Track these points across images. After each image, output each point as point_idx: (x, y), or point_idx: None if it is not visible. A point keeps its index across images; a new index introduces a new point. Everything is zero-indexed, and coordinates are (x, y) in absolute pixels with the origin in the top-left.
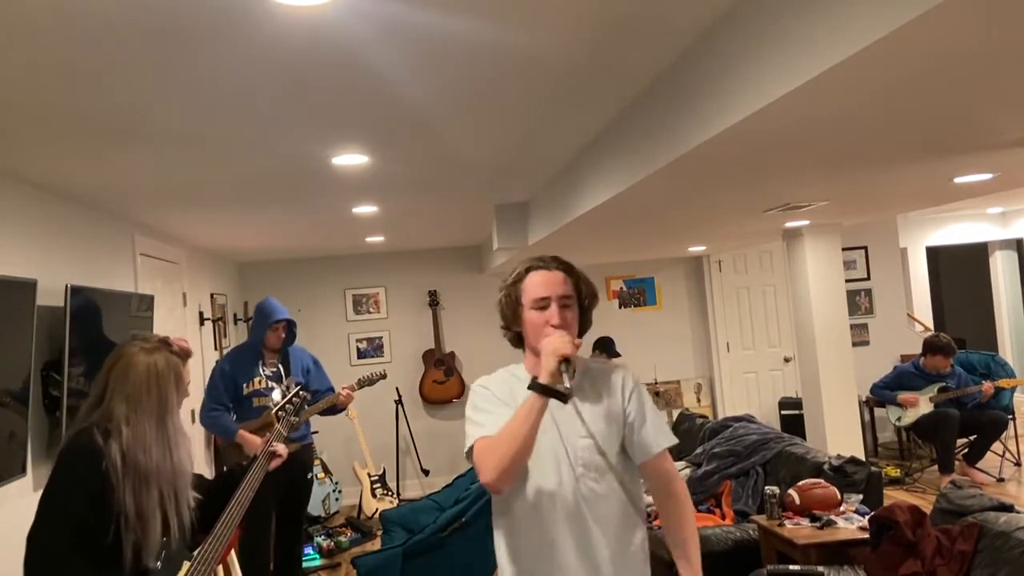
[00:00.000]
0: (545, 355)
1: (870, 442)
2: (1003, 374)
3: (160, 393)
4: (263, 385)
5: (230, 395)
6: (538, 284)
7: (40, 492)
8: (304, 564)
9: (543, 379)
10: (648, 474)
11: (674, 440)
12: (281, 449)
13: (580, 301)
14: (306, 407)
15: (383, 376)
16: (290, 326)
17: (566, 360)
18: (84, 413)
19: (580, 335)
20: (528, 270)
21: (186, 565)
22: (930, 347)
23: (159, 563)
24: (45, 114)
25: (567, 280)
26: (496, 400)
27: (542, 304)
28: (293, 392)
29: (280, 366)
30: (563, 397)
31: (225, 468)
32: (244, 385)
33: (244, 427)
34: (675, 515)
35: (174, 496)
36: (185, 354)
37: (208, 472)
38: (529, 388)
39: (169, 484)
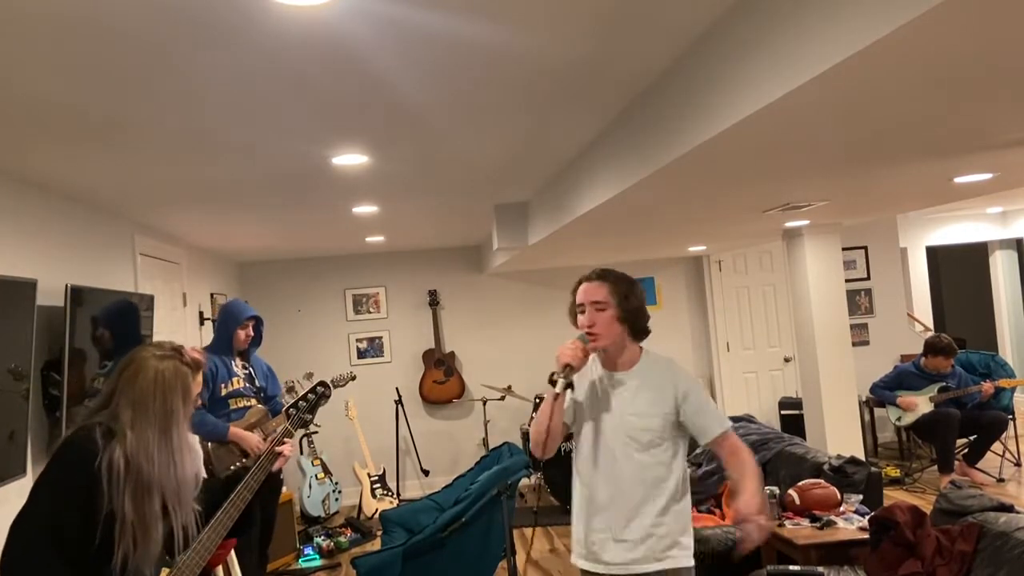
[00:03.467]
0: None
1: (870, 442)
2: (1003, 374)
3: (165, 403)
4: (241, 385)
5: (205, 396)
6: (579, 293)
7: None
8: (304, 564)
9: (553, 377)
10: (715, 450)
11: (726, 425)
12: (287, 449)
13: (617, 304)
14: (322, 404)
15: (352, 378)
16: (258, 325)
17: (567, 365)
18: (90, 411)
19: (636, 331)
20: (578, 281)
21: (164, 572)
22: (931, 348)
23: (149, 572)
24: (45, 114)
25: (600, 288)
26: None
27: (580, 309)
28: (309, 388)
29: (250, 368)
30: (567, 387)
31: (230, 471)
32: (222, 386)
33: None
34: (735, 467)
35: (178, 508)
36: (196, 365)
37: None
38: (548, 381)
39: (173, 495)
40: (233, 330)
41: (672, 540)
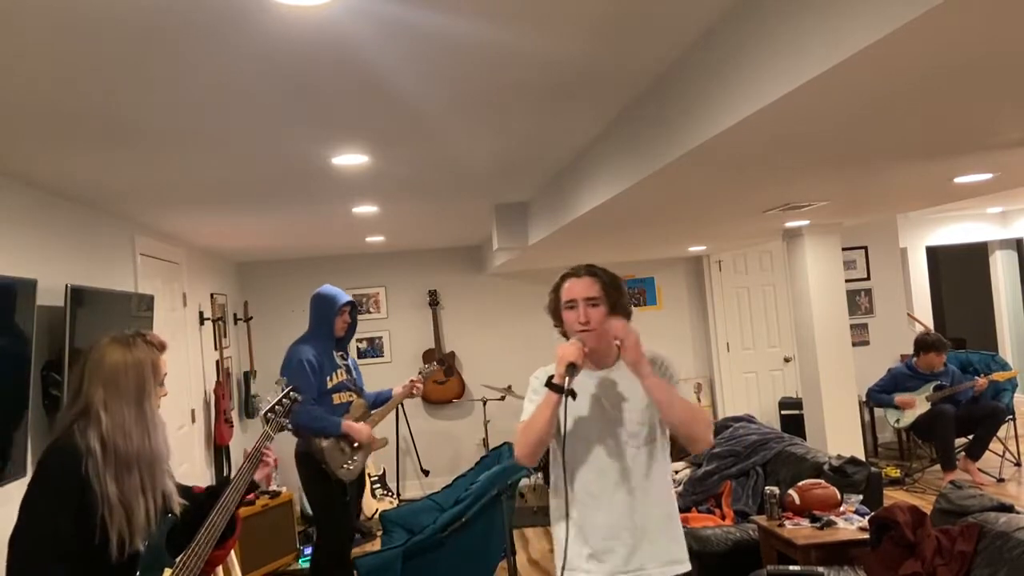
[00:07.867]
0: (557, 360)
1: (870, 442)
2: None
3: (138, 377)
4: (344, 378)
5: (313, 391)
6: (567, 289)
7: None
8: (304, 564)
9: (556, 379)
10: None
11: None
12: (270, 457)
13: (609, 300)
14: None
15: (439, 366)
16: (353, 311)
17: (572, 365)
18: (62, 414)
19: None
20: (563, 278)
21: (167, 572)
22: (922, 345)
23: (143, 547)
24: (45, 114)
25: (593, 284)
26: (537, 390)
27: (570, 305)
28: (284, 393)
29: (348, 359)
30: (568, 393)
31: (346, 469)
32: (327, 379)
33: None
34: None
35: (152, 480)
36: (160, 346)
37: (208, 477)
38: (545, 385)
39: (147, 467)
40: (333, 318)
41: (680, 541)
